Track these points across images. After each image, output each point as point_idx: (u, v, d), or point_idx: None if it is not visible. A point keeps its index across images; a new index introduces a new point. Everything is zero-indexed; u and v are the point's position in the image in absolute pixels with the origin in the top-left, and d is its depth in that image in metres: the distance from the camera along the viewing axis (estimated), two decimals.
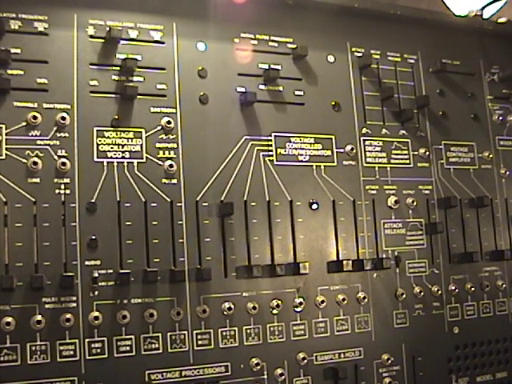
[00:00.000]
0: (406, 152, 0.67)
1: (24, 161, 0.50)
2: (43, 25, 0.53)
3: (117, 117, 0.54)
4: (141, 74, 0.56)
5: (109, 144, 0.53)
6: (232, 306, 0.55)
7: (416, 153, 0.67)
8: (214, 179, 0.57)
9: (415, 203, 0.65)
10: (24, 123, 0.51)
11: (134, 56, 0.56)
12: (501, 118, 0.73)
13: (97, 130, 0.53)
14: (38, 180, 0.50)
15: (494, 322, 0.68)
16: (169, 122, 0.56)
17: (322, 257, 0.60)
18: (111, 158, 0.53)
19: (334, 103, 0.64)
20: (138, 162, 0.54)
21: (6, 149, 0.50)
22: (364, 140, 0.65)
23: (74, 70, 0.53)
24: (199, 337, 0.54)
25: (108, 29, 0.55)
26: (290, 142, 0.61)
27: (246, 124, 0.59)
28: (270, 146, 0.60)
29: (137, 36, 0.56)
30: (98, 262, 0.51)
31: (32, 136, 0.51)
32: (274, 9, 0.63)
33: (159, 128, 0.56)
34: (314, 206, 0.60)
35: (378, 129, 0.66)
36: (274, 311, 0.57)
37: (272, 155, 0.60)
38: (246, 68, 0.60)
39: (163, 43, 0.57)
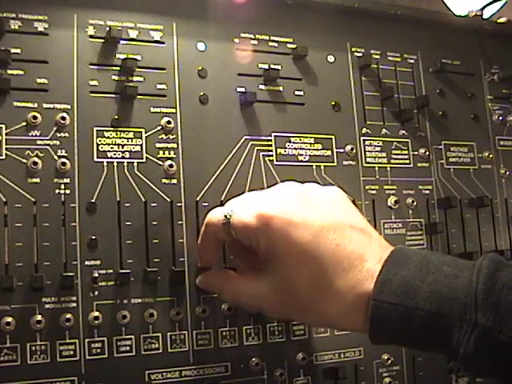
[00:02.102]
0: (406, 152, 0.67)
1: (24, 161, 0.50)
2: (43, 25, 0.53)
3: (117, 117, 0.54)
4: (141, 74, 0.56)
5: (109, 144, 0.53)
6: (232, 306, 0.55)
7: (416, 153, 0.67)
8: (214, 179, 0.57)
9: (415, 203, 0.65)
10: (24, 123, 0.51)
11: (134, 56, 0.56)
12: (501, 118, 0.73)
13: (97, 130, 0.53)
14: (38, 180, 0.50)
15: None
16: (169, 122, 0.56)
17: None
18: (111, 158, 0.53)
19: (334, 103, 0.64)
20: (137, 162, 0.54)
21: (6, 149, 0.50)
22: (364, 140, 0.65)
23: (74, 70, 0.53)
24: (199, 337, 0.54)
25: (108, 29, 0.55)
26: (290, 141, 0.61)
27: (246, 124, 0.59)
28: (270, 146, 0.60)
29: (137, 36, 0.56)
30: (98, 262, 0.51)
31: (32, 136, 0.51)
32: (274, 9, 0.63)
33: (159, 128, 0.56)
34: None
35: (378, 129, 0.66)
36: None
37: (272, 155, 0.60)
38: (246, 68, 0.60)
39: (163, 43, 0.57)
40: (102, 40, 0.55)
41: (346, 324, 0.47)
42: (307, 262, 0.45)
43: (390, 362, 0.61)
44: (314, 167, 0.61)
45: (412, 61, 0.69)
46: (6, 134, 0.50)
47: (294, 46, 0.63)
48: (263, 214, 0.47)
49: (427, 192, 0.66)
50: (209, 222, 0.51)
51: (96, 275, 0.50)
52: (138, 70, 0.55)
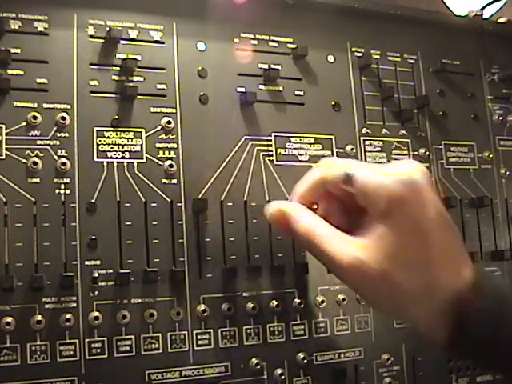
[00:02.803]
0: (405, 152, 0.67)
1: (24, 161, 0.50)
2: (43, 25, 0.53)
3: (117, 117, 0.54)
4: (141, 74, 0.56)
5: (109, 144, 0.53)
6: (232, 306, 0.55)
7: (416, 153, 0.67)
8: (214, 179, 0.57)
9: None
10: (24, 123, 0.51)
11: (134, 56, 0.56)
12: (501, 118, 0.73)
13: (97, 130, 0.53)
14: (38, 180, 0.50)
15: None
16: (169, 122, 0.56)
17: None
18: (111, 158, 0.53)
19: (334, 103, 0.64)
20: (137, 162, 0.54)
21: (6, 149, 0.50)
22: (364, 140, 0.65)
23: (73, 70, 0.53)
24: (199, 337, 0.54)
25: (108, 29, 0.55)
26: (290, 142, 0.61)
27: (246, 124, 0.59)
28: (270, 146, 0.60)
29: (137, 36, 0.56)
30: (98, 262, 0.51)
31: (32, 136, 0.51)
32: (274, 9, 0.63)
33: (159, 128, 0.56)
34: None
35: (378, 129, 0.66)
36: (274, 311, 0.57)
37: (272, 155, 0.60)
38: (246, 68, 0.60)
39: (163, 43, 0.57)
40: (102, 40, 0.55)
41: (422, 321, 0.45)
42: (421, 236, 0.44)
43: (390, 362, 0.61)
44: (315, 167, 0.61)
45: (412, 61, 0.69)
46: (6, 134, 0.50)
47: (294, 46, 0.63)
48: (415, 182, 0.46)
49: None
50: (326, 174, 0.49)
51: (96, 275, 0.50)
52: (137, 70, 0.55)
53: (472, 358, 0.46)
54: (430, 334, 0.45)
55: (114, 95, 0.54)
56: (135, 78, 0.55)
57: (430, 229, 0.45)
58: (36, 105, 0.51)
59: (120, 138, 0.54)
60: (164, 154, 0.55)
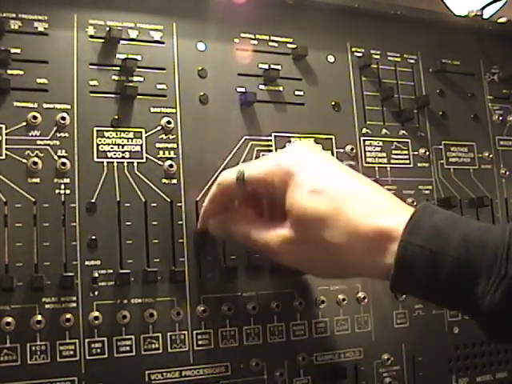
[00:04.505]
0: (406, 152, 0.67)
1: (24, 161, 0.50)
2: (43, 25, 0.53)
3: (117, 117, 0.54)
4: (141, 74, 0.56)
5: (109, 144, 0.53)
6: (232, 306, 0.55)
7: (416, 153, 0.67)
8: (214, 179, 0.57)
9: (415, 203, 0.65)
10: (24, 123, 0.51)
11: (134, 56, 0.56)
12: (501, 118, 0.73)
13: (97, 130, 0.53)
14: (38, 180, 0.50)
15: None
16: (169, 122, 0.56)
17: None
18: (111, 158, 0.53)
19: (334, 103, 0.64)
20: (138, 162, 0.54)
21: (6, 149, 0.50)
22: (364, 140, 0.65)
23: (73, 70, 0.53)
24: (199, 337, 0.54)
25: (108, 29, 0.55)
26: (290, 142, 0.61)
27: (246, 124, 0.59)
28: (270, 146, 0.60)
29: (137, 36, 0.56)
30: (98, 262, 0.51)
31: (32, 136, 0.51)
32: (274, 9, 0.63)
33: (159, 128, 0.56)
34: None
35: (378, 129, 0.66)
36: (274, 311, 0.57)
37: None
38: (246, 68, 0.60)
39: (163, 43, 0.57)
40: (102, 40, 0.55)
41: (364, 267, 0.46)
42: (324, 192, 0.46)
43: (389, 362, 0.61)
44: None
45: (412, 61, 0.69)
46: (6, 134, 0.50)
47: (294, 46, 0.63)
48: (296, 152, 0.50)
49: (427, 192, 0.66)
50: (221, 181, 0.53)
51: (96, 275, 0.50)
52: (138, 70, 0.55)
53: (413, 293, 0.46)
54: (372, 274, 0.47)
55: (114, 95, 0.54)
56: (135, 78, 0.55)
57: (331, 181, 0.47)
58: (36, 105, 0.51)
59: (120, 137, 0.54)
60: (164, 154, 0.55)
